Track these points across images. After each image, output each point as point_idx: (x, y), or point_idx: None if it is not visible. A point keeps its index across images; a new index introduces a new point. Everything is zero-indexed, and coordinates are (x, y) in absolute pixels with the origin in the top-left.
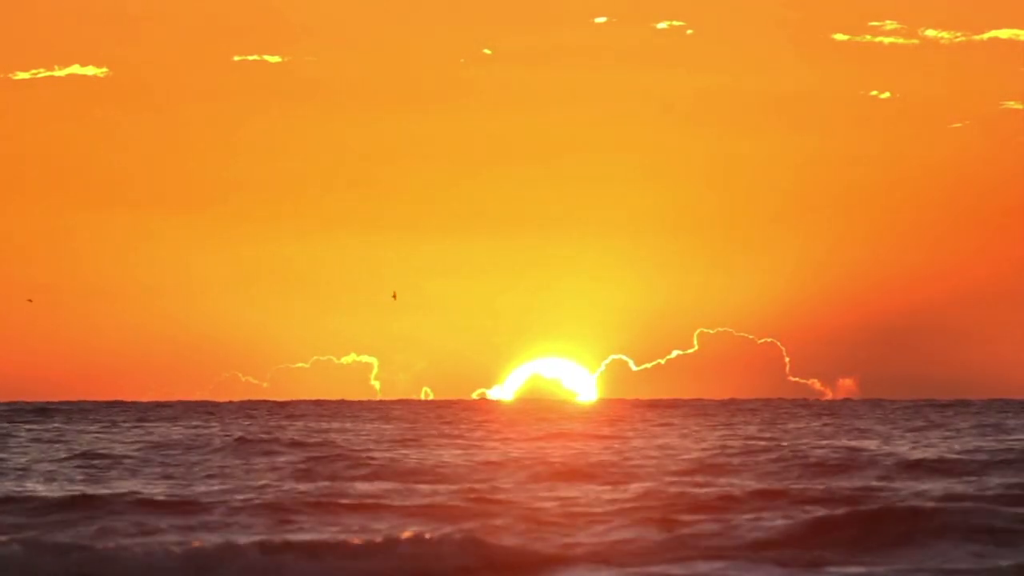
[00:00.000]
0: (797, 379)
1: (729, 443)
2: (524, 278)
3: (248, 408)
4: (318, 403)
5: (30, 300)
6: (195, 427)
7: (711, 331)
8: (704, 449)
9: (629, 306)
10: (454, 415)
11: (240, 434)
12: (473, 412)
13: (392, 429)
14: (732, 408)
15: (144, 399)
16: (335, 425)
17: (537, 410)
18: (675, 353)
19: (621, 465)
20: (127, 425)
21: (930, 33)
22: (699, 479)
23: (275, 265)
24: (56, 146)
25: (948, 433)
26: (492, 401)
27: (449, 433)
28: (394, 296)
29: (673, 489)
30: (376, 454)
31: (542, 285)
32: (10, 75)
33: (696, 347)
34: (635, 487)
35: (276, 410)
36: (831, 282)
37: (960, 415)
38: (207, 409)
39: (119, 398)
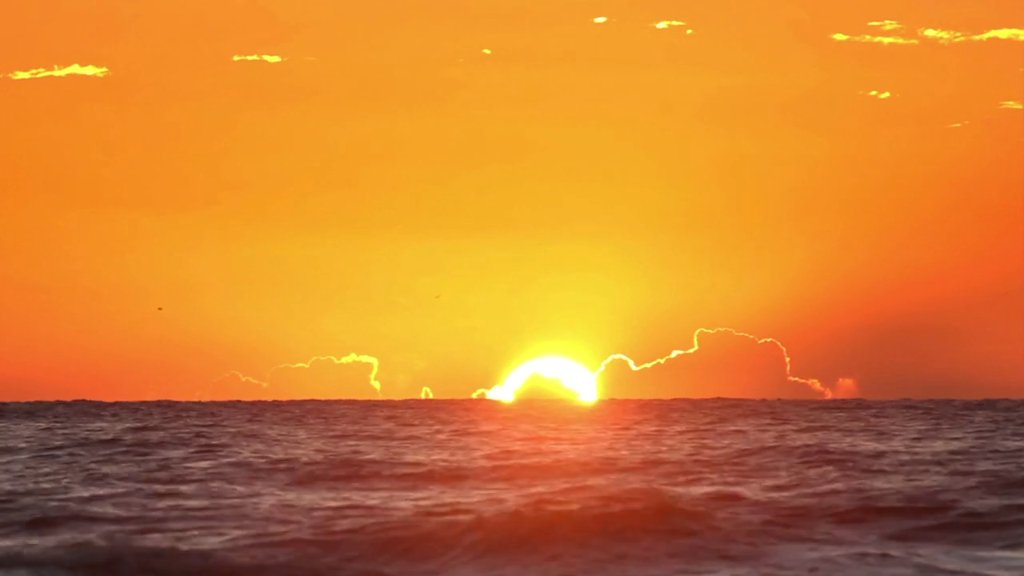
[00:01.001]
0: (797, 379)
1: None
2: (525, 278)
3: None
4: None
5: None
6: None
7: (711, 331)
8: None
9: (629, 306)
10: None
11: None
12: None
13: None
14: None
15: (144, 399)
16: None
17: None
18: (675, 353)
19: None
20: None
21: (930, 33)
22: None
23: (274, 265)
24: (55, 146)
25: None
26: (488, 401)
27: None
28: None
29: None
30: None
31: (542, 285)
32: (10, 75)
33: (696, 347)
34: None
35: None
36: (831, 283)
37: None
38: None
39: (118, 399)
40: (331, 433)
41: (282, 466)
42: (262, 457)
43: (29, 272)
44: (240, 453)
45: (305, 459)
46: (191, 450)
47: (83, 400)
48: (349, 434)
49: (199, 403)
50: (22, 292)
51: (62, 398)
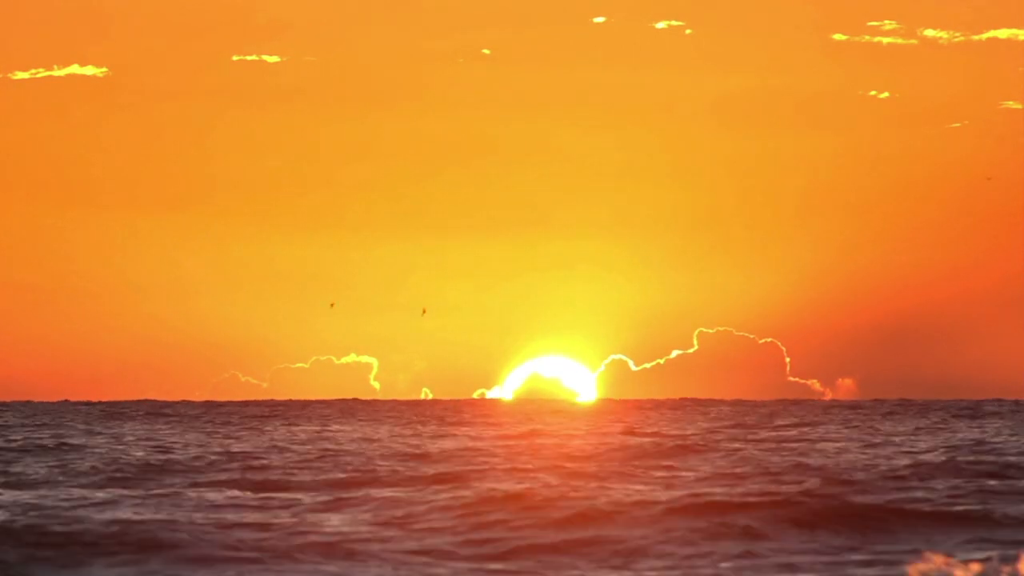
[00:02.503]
0: (797, 379)
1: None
2: (525, 277)
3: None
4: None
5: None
6: None
7: (711, 331)
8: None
9: (629, 305)
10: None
11: None
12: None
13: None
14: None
15: (143, 398)
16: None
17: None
18: (675, 353)
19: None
20: None
21: (929, 33)
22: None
23: (273, 265)
24: (54, 146)
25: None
26: (486, 401)
27: None
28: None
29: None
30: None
31: (542, 284)
32: (10, 75)
33: (696, 347)
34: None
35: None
36: (831, 283)
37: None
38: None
39: (118, 398)
40: None
41: None
42: None
43: (26, 271)
44: None
45: None
46: None
47: (66, 401)
48: None
49: (194, 402)
50: (19, 291)
51: (58, 399)
